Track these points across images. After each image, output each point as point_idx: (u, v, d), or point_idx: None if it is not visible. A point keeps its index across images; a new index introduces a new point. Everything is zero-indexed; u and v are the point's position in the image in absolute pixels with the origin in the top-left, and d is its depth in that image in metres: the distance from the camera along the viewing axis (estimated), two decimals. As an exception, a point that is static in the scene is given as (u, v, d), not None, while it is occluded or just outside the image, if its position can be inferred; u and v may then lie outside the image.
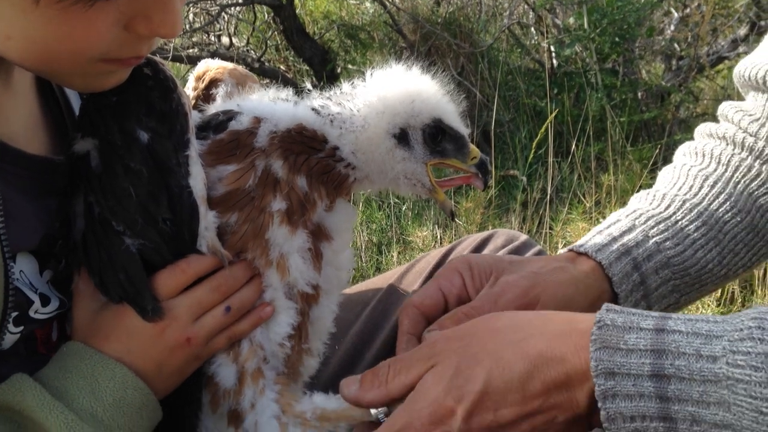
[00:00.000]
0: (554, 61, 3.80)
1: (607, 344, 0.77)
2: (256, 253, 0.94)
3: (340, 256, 1.04)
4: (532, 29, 4.38)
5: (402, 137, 1.00)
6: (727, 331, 0.74)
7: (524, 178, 3.19)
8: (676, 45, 4.14)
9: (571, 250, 1.15)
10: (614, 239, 1.12)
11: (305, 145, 0.97)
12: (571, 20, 3.91)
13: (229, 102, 1.06)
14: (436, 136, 1.01)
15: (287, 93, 1.04)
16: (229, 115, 0.97)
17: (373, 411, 0.93)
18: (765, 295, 2.50)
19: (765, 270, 2.56)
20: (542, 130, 2.46)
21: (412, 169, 1.02)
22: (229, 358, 0.96)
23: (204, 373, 0.96)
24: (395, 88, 1.01)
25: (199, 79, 1.18)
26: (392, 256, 2.75)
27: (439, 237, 2.74)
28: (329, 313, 1.05)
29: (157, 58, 0.93)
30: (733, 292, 2.59)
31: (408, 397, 0.87)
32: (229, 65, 1.19)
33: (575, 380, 0.79)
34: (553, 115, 2.67)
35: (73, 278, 0.93)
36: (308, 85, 1.06)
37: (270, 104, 0.99)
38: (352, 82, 1.04)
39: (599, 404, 0.77)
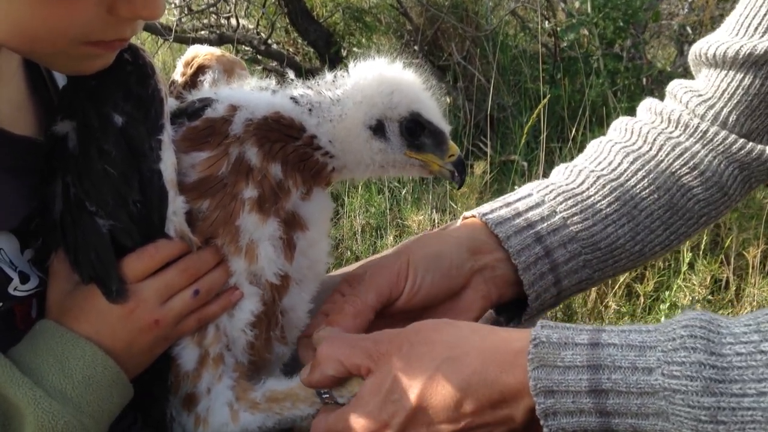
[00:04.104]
0: (560, 46, 3.78)
1: (544, 362, 0.78)
2: (225, 239, 0.95)
3: (316, 247, 1.05)
4: (539, 13, 4.36)
5: (378, 129, 1.01)
6: (660, 341, 0.75)
7: (525, 164, 3.19)
8: (689, 29, 4.10)
9: (473, 216, 1.15)
10: (518, 213, 1.13)
11: (282, 133, 0.98)
12: (577, 4, 3.89)
13: (207, 89, 1.08)
14: (415, 130, 1.02)
15: (268, 82, 1.05)
16: (205, 103, 0.99)
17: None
18: (756, 283, 2.51)
19: (761, 257, 2.57)
20: (534, 115, 2.46)
21: (391, 160, 1.02)
22: (193, 341, 0.98)
23: (169, 355, 0.98)
24: (375, 79, 1.01)
25: (187, 65, 1.19)
26: (388, 240, 2.78)
27: (436, 221, 2.77)
28: (302, 303, 1.06)
29: (138, 44, 0.95)
30: (727, 279, 2.60)
31: (347, 405, 0.89)
32: (217, 51, 1.21)
33: (509, 398, 0.80)
34: (546, 99, 2.67)
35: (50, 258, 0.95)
36: (291, 75, 1.08)
37: (247, 92, 1.00)
38: (334, 73, 1.04)
39: (542, 422, 0.78)
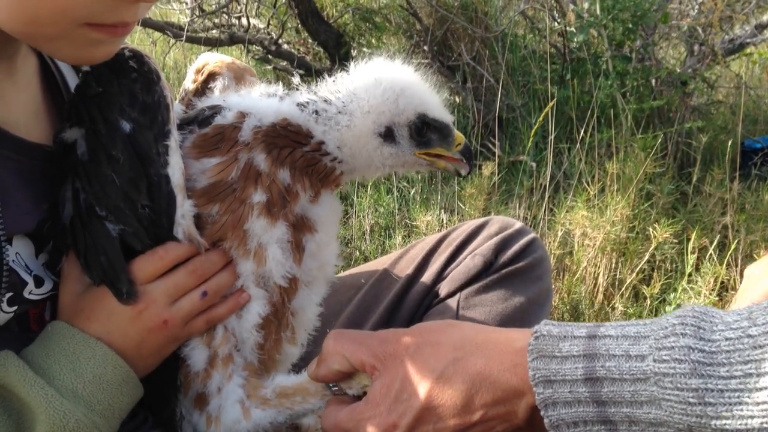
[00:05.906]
0: (569, 47, 3.78)
1: (543, 353, 0.81)
2: (234, 242, 0.98)
3: (325, 249, 1.07)
4: (549, 14, 4.36)
5: (388, 135, 1.03)
6: (653, 331, 0.76)
7: (533, 164, 3.19)
8: (699, 30, 4.09)
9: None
10: None
11: (290, 139, 1.00)
12: (586, 5, 3.89)
13: (216, 97, 1.11)
14: (422, 129, 1.04)
15: (276, 88, 1.07)
16: (215, 110, 1.01)
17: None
18: (763, 286, 2.50)
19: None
20: (540, 117, 2.47)
21: (402, 162, 1.05)
22: (202, 342, 1.00)
23: (178, 356, 1.01)
24: (377, 86, 1.02)
25: (198, 72, 1.22)
26: (397, 240, 2.79)
27: (444, 222, 2.78)
28: (311, 304, 1.08)
29: (143, 51, 0.97)
30: (735, 282, 2.59)
31: (357, 405, 0.91)
32: (227, 59, 1.23)
33: (512, 396, 0.83)
34: (555, 100, 2.68)
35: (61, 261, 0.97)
36: (296, 80, 1.10)
37: (255, 99, 1.03)
38: (334, 77, 1.05)
39: (542, 412, 0.80)
